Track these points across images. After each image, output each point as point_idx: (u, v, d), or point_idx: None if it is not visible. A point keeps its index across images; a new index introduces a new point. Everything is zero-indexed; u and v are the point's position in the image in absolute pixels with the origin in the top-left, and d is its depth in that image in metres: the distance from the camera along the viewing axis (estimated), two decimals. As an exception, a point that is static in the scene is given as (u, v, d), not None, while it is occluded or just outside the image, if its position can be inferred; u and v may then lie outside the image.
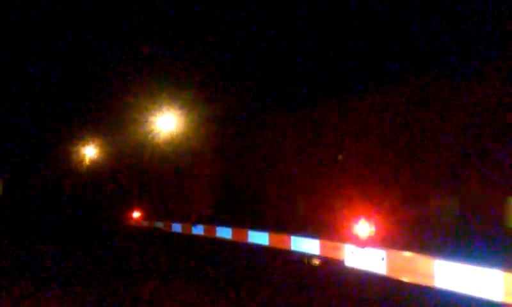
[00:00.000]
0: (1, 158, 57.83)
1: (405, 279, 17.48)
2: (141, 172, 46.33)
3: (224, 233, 32.04)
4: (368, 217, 19.32)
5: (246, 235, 29.68)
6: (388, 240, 19.40)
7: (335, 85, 26.38)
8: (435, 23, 21.77)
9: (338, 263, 21.09)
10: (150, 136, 38.24)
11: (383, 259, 18.72)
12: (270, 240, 27.46)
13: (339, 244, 21.69)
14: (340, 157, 26.33)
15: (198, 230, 35.47)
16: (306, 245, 24.19)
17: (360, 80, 24.95)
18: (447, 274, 16.02)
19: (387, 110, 23.99)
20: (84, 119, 47.76)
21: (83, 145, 50.82)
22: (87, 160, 51.15)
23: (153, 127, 37.12)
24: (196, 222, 36.05)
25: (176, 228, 38.67)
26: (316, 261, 21.72)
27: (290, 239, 25.69)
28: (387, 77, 23.77)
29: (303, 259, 22.20)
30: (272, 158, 32.55)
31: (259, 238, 28.33)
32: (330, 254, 22.24)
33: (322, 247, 23.12)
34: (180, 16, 30.92)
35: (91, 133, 48.19)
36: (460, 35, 20.72)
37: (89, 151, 50.83)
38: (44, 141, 55.13)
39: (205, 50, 31.20)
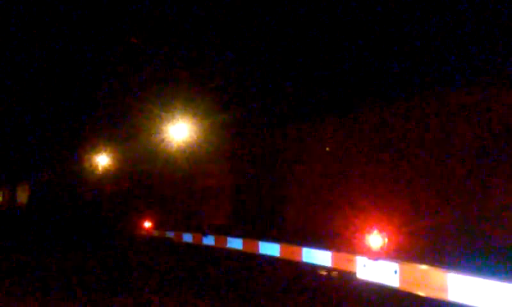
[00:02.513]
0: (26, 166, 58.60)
1: (418, 293, 17.26)
2: (153, 181, 46.42)
3: (235, 243, 31.91)
4: (381, 229, 19.16)
5: (257, 245, 29.53)
6: (402, 253, 19.20)
7: (349, 95, 26.30)
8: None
9: (350, 276, 20.89)
10: (162, 145, 38.35)
11: (395, 272, 18.50)
12: (281, 251, 27.28)
13: (351, 256, 21.49)
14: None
15: (209, 240, 35.37)
16: (318, 257, 24.00)
17: (372, 91, 24.86)
18: (460, 287, 15.78)
19: (398, 121, 23.89)
20: (96, 127, 48.06)
21: (96, 153, 51.14)
22: (99, 168, 51.41)
23: (165, 135, 37.23)
24: (207, 233, 35.96)
25: (187, 238, 38.59)
26: (324, 272, 21.65)
27: (301, 250, 25.49)
28: (397, 88, 23.66)
29: (315, 271, 22.11)
30: (285, 168, 32.47)
31: (270, 249, 28.16)
32: (342, 266, 22.03)
33: (334, 259, 22.90)
34: (195, 25, 31.06)
35: (104, 141, 48.46)
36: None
37: (102, 160, 51.09)
38: (56, 149, 55.59)
39: (219, 58, 31.30)
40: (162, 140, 38.64)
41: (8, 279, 19.51)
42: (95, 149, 50.87)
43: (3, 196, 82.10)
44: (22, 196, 72.80)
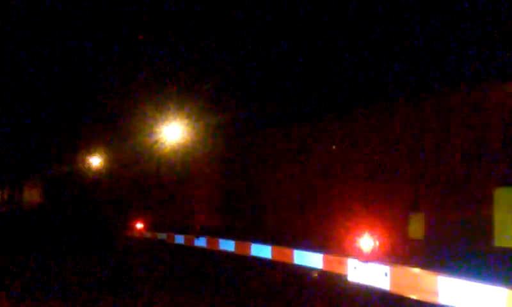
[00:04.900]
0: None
1: (409, 296, 17.21)
2: (145, 182, 46.28)
3: (228, 245, 31.83)
4: (372, 231, 19.13)
5: (249, 248, 29.47)
6: (392, 255, 19.18)
7: (341, 96, 26.24)
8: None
9: (341, 278, 20.85)
10: (155, 146, 38.25)
11: (386, 274, 18.47)
12: (273, 253, 27.23)
13: (342, 259, 21.44)
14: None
15: (201, 242, 35.26)
16: (309, 259, 23.94)
17: (366, 92, 24.80)
18: (451, 290, 15.75)
19: (391, 121, 23.87)
20: (89, 128, 47.92)
21: (89, 154, 51.02)
22: (92, 169, 51.28)
23: (159, 136, 37.12)
24: (199, 234, 35.86)
25: (179, 239, 38.46)
26: (315, 274, 21.64)
27: (292, 253, 25.43)
28: (390, 89, 23.60)
29: (307, 273, 22.07)
30: (277, 170, 32.39)
31: (262, 251, 28.11)
32: (333, 269, 21.98)
33: (325, 261, 22.85)
34: (189, 25, 31.00)
35: (97, 142, 48.33)
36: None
37: (95, 161, 50.97)
38: (49, 150, 55.45)
39: (213, 59, 31.22)
40: (156, 141, 38.56)
41: (7, 280, 19.51)
42: (88, 150, 50.79)
43: (3, 196, 79.78)
44: (29, 195, 71.83)
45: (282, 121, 31.35)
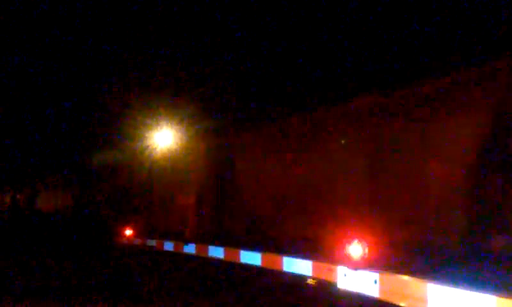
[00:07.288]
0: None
1: (398, 303, 17.10)
2: (135, 188, 46.05)
3: (217, 252, 31.63)
4: (362, 239, 19.00)
5: (238, 254, 29.27)
6: (381, 263, 19.06)
7: (337, 94, 26.06)
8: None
9: (331, 285, 20.72)
10: (146, 152, 38.08)
11: (375, 282, 18.35)
12: (263, 260, 27.04)
13: (332, 266, 21.30)
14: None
15: (190, 249, 35.04)
16: (299, 266, 23.78)
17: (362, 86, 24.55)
18: (440, 298, 15.65)
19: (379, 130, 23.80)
20: (79, 133, 47.72)
21: (83, 158, 50.87)
22: (87, 173, 51.15)
23: (150, 142, 36.95)
24: (188, 241, 35.63)
25: (168, 246, 38.22)
26: (311, 281, 21.55)
27: (282, 260, 25.25)
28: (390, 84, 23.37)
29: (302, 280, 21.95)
30: (268, 175, 32.30)
31: (252, 258, 27.91)
32: (323, 276, 21.84)
33: (315, 269, 22.70)
34: (179, 29, 30.95)
35: (87, 147, 48.17)
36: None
37: (89, 165, 50.82)
38: (42, 155, 55.20)
39: (204, 64, 31.17)
40: (147, 147, 38.41)
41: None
42: (82, 153, 50.67)
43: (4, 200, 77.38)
44: (31, 200, 71.02)
45: (272, 126, 31.27)
